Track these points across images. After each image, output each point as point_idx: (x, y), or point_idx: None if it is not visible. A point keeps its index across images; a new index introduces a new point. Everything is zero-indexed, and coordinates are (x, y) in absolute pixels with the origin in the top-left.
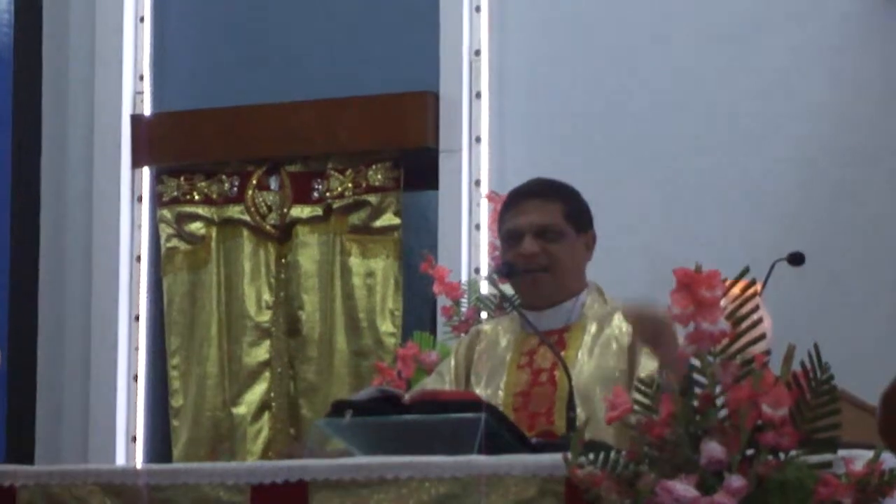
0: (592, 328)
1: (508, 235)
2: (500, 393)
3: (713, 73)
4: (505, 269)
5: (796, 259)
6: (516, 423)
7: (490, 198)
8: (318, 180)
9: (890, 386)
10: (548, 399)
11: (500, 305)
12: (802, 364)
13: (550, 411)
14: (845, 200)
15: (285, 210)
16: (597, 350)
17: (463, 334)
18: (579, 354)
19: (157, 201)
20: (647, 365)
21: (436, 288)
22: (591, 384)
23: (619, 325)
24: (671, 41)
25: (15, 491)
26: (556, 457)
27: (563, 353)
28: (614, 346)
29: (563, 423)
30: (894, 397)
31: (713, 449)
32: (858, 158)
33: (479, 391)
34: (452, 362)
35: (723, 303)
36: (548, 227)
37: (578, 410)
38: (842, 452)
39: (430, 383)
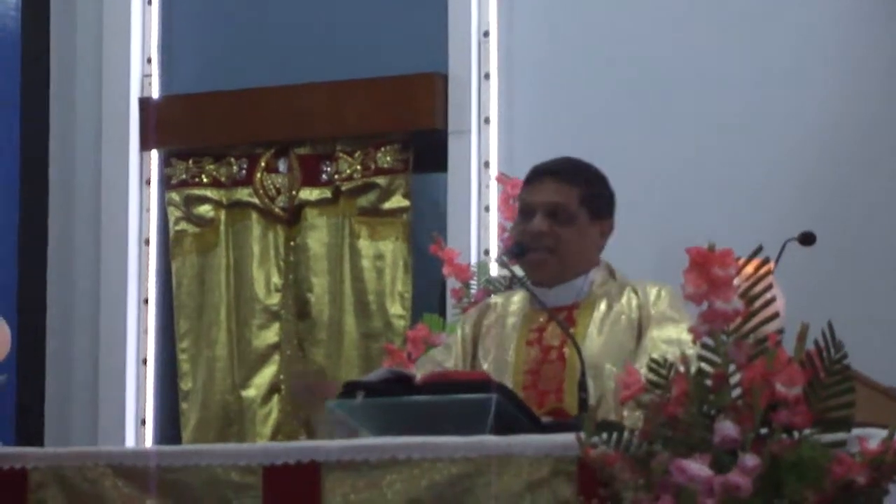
0: (602, 305)
1: (522, 209)
2: (509, 370)
3: (724, 53)
4: (516, 250)
5: (807, 239)
6: (525, 401)
7: (499, 179)
8: (327, 162)
9: None
10: (557, 376)
11: (509, 287)
12: (816, 343)
13: (560, 389)
14: (857, 180)
15: (294, 192)
16: (606, 327)
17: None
18: (588, 331)
19: (166, 184)
20: (654, 336)
21: (445, 270)
22: (601, 360)
23: (629, 302)
24: (681, 22)
25: (26, 473)
26: (569, 437)
27: (572, 331)
28: (624, 321)
29: (573, 400)
30: None
31: (727, 428)
32: (869, 137)
33: (486, 366)
34: (459, 334)
35: (736, 281)
36: (560, 209)
37: (590, 388)
38: (856, 431)
39: (437, 354)
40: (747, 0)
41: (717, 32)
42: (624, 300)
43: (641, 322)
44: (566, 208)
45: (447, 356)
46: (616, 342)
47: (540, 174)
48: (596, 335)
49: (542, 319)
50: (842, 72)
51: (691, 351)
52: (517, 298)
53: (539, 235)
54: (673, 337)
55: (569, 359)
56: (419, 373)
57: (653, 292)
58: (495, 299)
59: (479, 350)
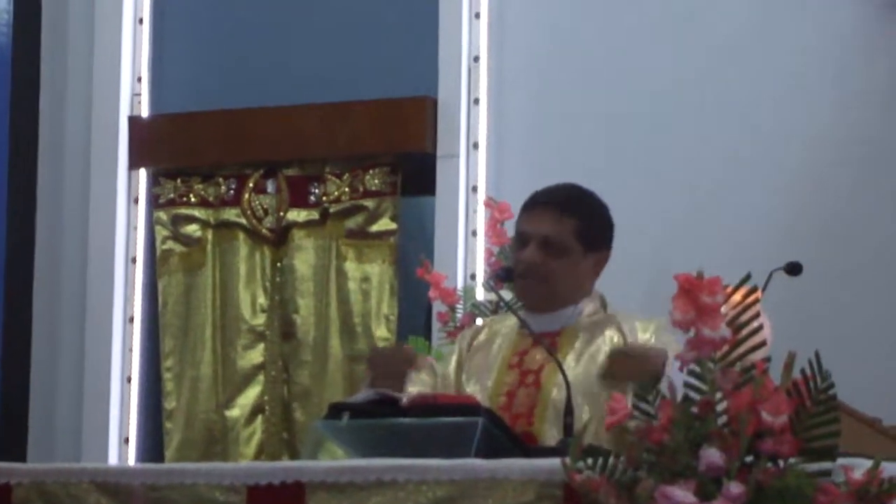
0: (585, 335)
1: (517, 237)
2: (487, 391)
3: (714, 80)
4: (503, 274)
5: (794, 269)
6: None
7: (487, 204)
8: (315, 184)
9: None
10: (531, 401)
11: (495, 311)
12: (802, 372)
13: (531, 413)
14: (844, 211)
15: (282, 213)
16: (584, 358)
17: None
18: (567, 360)
19: (154, 203)
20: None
21: (431, 293)
22: (574, 392)
23: (611, 337)
24: (671, 48)
25: (10, 489)
26: (555, 461)
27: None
28: (601, 357)
29: (542, 426)
30: None
31: (712, 455)
32: (858, 169)
33: (469, 388)
34: (456, 351)
35: (723, 309)
36: (553, 241)
37: (557, 417)
38: (841, 461)
39: (435, 366)
40: (741, 25)
41: (709, 59)
42: (607, 335)
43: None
44: (560, 241)
45: (446, 368)
46: (591, 375)
47: (539, 202)
48: (573, 365)
49: (527, 343)
50: (833, 103)
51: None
52: (507, 322)
53: (531, 266)
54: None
55: (544, 384)
56: (415, 387)
57: (639, 326)
58: (488, 321)
59: (465, 369)
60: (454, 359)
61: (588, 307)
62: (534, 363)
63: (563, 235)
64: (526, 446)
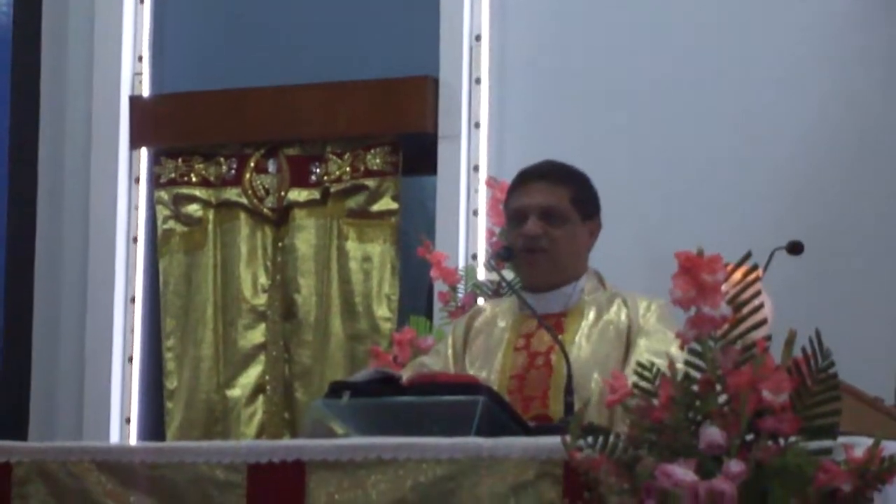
0: (591, 314)
1: (513, 215)
2: (495, 374)
3: (714, 60)
4: (504, 254)
5: (795, 248)
6: (512, 405)
7: (488, 184)
8: (317, 164)
9: None
10: (543, 383)
11: (496, 291)
12: (803, 350)
13: (545, 395)
14: (845, 189)
15: (283, 193)
16: (594, 336)
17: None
18: (577, 339)
19: (155, 183)
20: (642, 345)
21: (433, 273)
22: (587, 369)
23: (619, 312)
24: (672, 28)
25: (10, 467)
26: (555, 439)
27: (560, 337)
28: (612, 332)
29: (557, 407)
30: None
31: (712, 433)
32: (858, 147)
33: (474, 371)
34: (450, 340)
35: (724, 287)
36: (553, 210)
37: (567, 394)
38: (841, 439)
39: (427, 360)
40: (741, 7)
41: (709, 39)
42: (613, 310)
43: (630, 334)
44: (559, 209)
45: (436, 360)
46: (603, 352)
47: (529, 178)
48: (584, 344)
49: (531, 325)
50: (832, 81)
51: (680, 365)
52: (507, 304)
53: (535, 237)
54: (662, 349)
55: (555, 365)
56: (407, 375)
57: (642, 305)
58: (484, 306)
59: (468, 354)
60: (449, 353)
61: (588, 285)
62: (542, 345)
63: (561, 203)
64: (526, 425)
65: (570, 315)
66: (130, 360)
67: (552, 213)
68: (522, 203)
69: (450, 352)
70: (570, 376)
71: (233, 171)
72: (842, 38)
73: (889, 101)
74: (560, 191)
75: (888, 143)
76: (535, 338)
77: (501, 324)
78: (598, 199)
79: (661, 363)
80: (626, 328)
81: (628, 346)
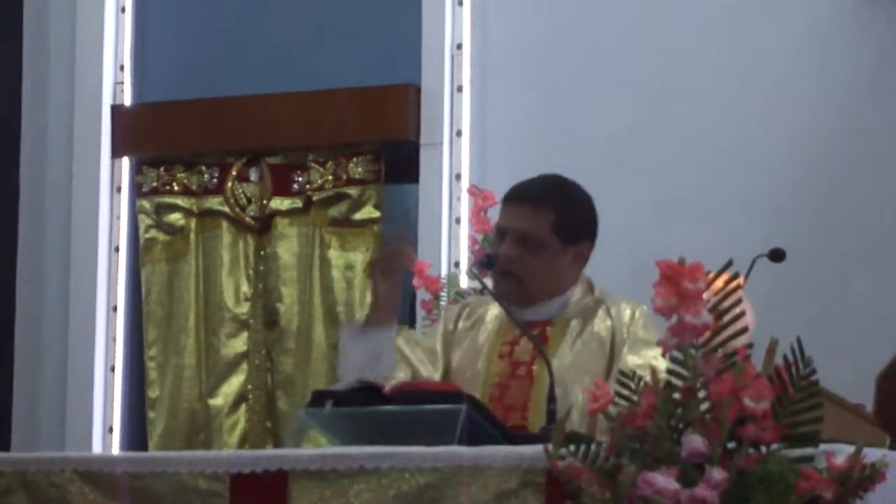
0: (576, 324)
1: (497, 231)
2: (479, 381)
3: (697, 68)
4: (486, 261)
5: (777, 255)
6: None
7: (471, 192)
8: (299, 172)
9: (886, 368)
10: (524, 394)
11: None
12: (785, 358)
13: (525, 406)
14: (827, 198)
15: (265, 202)
16: (578, 346)
17: None
18: (560, 350)
19: (137, 192)
20: (628, 360)
21: (415, 282)
22: (569, 380)
23: (602, 322)
24: (654, 35)
25: None
26: (538, 448)
27: (543, 348)
28: (595, 343)
29: (537, 419)
30: (889, 380)
31: (694, 441)
32: (841, 156)
33: (457, 372)
34: (441, 327)
35: (705, 296)
36: (529, 237)
37: (549, 402)
38: (823, 447)
39: (420, 339)
40: (724, 16)
41: (692, 47)
42: (597, 320)
43: (614, 344)
44: (535, 236)
45: (431, 343)
46: (586, 363)
47: (516, 196)
48: (567, 354)
49: (515, 333)
50: (815, 90)
51: (664, 376)
52: (494, 307)
53: (507, 261)
54: (646, 363)
55: (536, 376)
56: (403, 349)
57: (626, 313)
58: (475, 302)
59: (454, 354)
60: (440, 337)
61: (576, 294)
62: (524, 354)
63: (538, 231)
64: (509, 433)
65: (555, 325)
66: (113, 369)
67: (529, 240)
68: (504, 222)
69: (439, 342)
70: (552, 384)
71: (215, 180)
72: (828, 45)
73: (873, 110)
74: (541, 216)
75: (871, 151)
76: (519, 346)
77: (487, 328)
78: (591, 222)
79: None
80: (611, 338)
81: (612, 356)
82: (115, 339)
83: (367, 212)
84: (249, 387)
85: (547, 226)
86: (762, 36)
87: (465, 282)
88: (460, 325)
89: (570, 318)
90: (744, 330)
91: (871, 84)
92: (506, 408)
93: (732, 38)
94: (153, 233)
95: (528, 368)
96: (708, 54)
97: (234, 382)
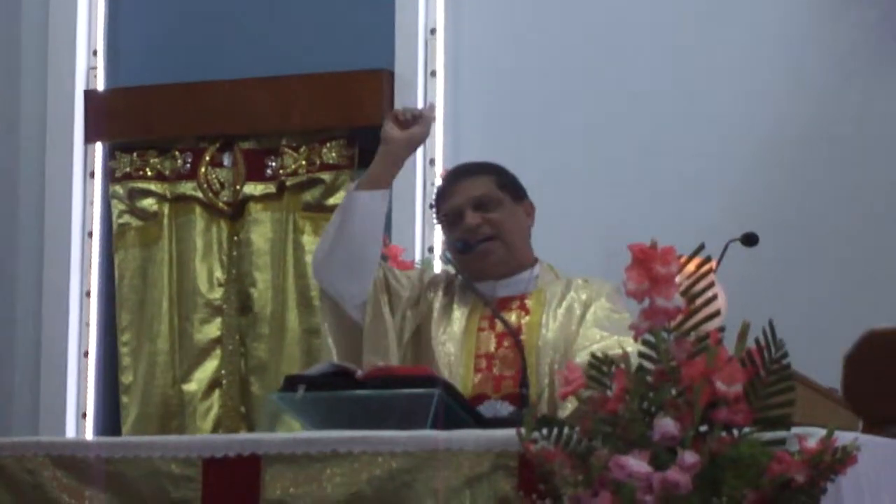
0: (554, 292)
1: (449, 219)
2: (461, 355)
3: (668, 53)
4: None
5: (750, 240)
6: (481, 384)
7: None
8: (272, 157)
9: (852, 349)
10: (516, 361)
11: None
12: (756, 341)
13: (519, 373)
14: (800, 181)
15: (238, 187)
16: (560, 312)
17: None
18: (543, 318)
19: (110, 177)
20: (587, 335)
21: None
22: (557, 347)
23: (578, 294)
24: (626, 22)
25: None
26: (510, 432)
27: (527, 319)
28: (576, 310)
29: (534, 384)
30: (856, 360)
31: (666, 424)
32: (812, 140)
33: (439, 348)
34: (405, 280)
35: (677, 279)
36: (485, 198)
37: (545, 379)
38: (795, 430)
39: (392, 276)
40: (698, 3)
41: (665, 35)
42: (573, 292)
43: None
44: (490, 196)
45: (402, 279)
46: (569, 331)
47: (451, 180)
48: (552, 321)
49: (488, 312)
50: (785, 72)
51: (631, 348)
52: (460, 291)
53: (477, 227)
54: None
55: (527, 343)
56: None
57: (594, 285)
58: (438, 280)
59: (432, 327)
60: (407, 294)
61: (542, 273)
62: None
63: (490, 190)
64: (481, 417)
65: (532, 296)
66: (86, 354)
67: (485, 201)
68: (454, 202)
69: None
70: (524, 370)
71: (188, 165)
72: (799, 33)
73: (844, 97)
74: (483, 180)
75: (842, 137)
76: (498, 321)
77: (459, 309)
78: (520, 182)
79: (610, 343)
80: (591, 304)
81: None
82: (88, 325)
83: (341, 197)
84: (223, 372)
85: (494, 185)
86: (732, 25)
87: (438, 267)
88: (429, 296)
89: (546, 288)
90: (716, 313)
91: (842, 71)
92: (496, 377)
93: (702, 28)
94: (126, 218)
95: (512, 340)
96: (679, 43)
97: (208, 368)
